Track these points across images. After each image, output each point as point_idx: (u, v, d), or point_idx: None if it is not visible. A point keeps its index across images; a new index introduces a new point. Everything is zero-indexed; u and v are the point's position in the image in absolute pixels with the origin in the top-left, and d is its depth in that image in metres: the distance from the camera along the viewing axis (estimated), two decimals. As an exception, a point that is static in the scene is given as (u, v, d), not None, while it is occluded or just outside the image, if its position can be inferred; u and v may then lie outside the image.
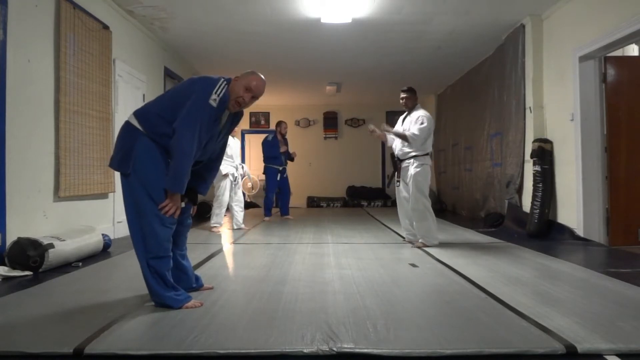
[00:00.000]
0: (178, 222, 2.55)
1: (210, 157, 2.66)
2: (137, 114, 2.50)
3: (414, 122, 4.55)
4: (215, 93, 2.40)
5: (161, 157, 2.43)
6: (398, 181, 4.75)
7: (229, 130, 2.70)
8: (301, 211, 9.71)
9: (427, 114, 4.61)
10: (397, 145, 4.75)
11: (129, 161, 2.41)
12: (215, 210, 5.91)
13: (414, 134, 4.48)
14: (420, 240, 4.57)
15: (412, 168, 4.55)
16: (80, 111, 4.58)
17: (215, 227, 5.87)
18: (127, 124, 2.49)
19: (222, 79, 2.48)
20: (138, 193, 2.40)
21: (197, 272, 3.06)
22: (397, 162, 4.74)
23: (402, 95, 4.74)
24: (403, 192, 4.71)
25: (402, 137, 4.58)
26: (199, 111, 2.38)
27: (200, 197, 2.82)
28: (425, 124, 4.49)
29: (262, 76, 2.59)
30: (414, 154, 4.55)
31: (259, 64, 7.90)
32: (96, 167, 4.81)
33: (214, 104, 2.40)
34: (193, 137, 2.35)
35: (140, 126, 2.44)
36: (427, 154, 4.62)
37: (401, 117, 4.80)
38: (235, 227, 6.14)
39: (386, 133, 4.75)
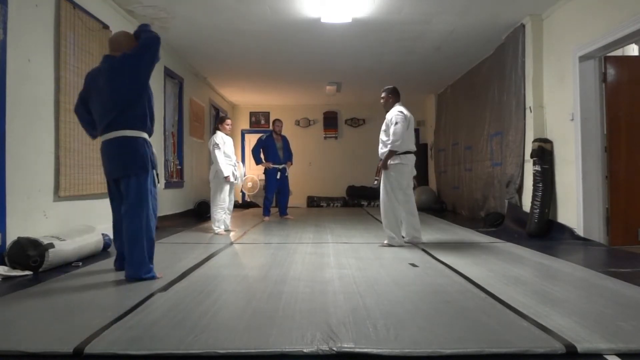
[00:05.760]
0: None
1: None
2: (125, 125, 3.09)
3: (388, 122, 4.59)
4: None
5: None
6: (377, 179, 4.79)
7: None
8: (301, 211, 9.71)
9: (402, 113, 4.56)
10: (379, 146, 4.77)
11: (140, 161, 3.09)
12: (216, 215, 5.63)
13: (391, 144, 4.50)
14: (385, 242, 4.60)
15: (389, 164, 4.57)
16: (80, 111, 4.59)
17: (225, 230, 5.69)
18: (126, 139, 3.09)
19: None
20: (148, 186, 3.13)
21: (197, 271, 3.06)
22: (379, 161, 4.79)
23: (382, 94, 4.83)
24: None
25: (391, 154, 4.54)
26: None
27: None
28: (398, 124, 4.49)
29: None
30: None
31: (259, 63, 7.92)
32: (96, 167, 4.79)
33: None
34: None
35: (135, 133, 3.09)
36: (407, 152, 4.60)
37: None
38: (217, 230, 5.69)
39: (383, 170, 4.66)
